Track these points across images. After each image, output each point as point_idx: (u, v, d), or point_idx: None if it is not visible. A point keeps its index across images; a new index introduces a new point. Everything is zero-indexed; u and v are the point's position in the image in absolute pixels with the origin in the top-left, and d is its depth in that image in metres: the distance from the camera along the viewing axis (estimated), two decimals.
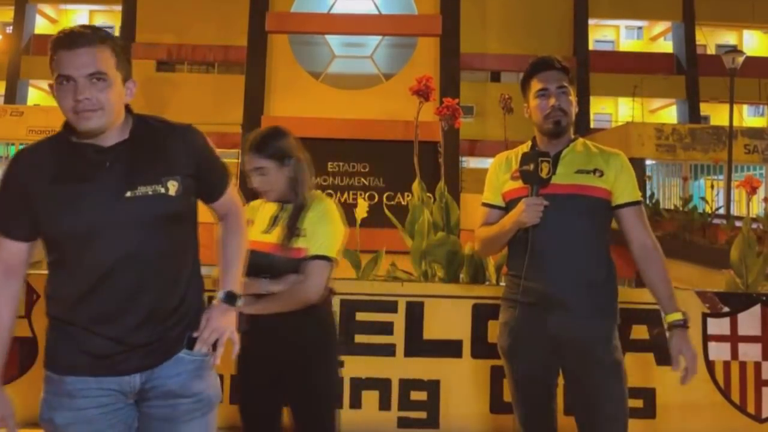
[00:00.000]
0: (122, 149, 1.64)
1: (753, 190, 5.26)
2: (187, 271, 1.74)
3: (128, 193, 1.60)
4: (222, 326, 1.70)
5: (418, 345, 3.58)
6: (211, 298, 1.80)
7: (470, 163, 20.70)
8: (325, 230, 2.23)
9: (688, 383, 2.09)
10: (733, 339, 3.52)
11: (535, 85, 2.23)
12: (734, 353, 3.51)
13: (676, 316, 2.11)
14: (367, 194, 12.77)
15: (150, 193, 1.62)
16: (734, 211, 14.67)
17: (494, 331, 3.56)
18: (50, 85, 1.62)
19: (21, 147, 1.75)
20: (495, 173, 2.34)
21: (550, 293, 2.12)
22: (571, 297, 2.12)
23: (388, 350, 3.57)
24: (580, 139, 2.29)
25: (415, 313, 3.58)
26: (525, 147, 2.30)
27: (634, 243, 2.18)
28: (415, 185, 4.18)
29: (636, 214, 2.19)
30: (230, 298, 1.76)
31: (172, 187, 1.65)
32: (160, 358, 1.67)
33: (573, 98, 2.24)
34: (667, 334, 2.13)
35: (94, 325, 1.62)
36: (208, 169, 1.78)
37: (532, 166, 2.08)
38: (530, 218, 2.08)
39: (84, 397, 1.62)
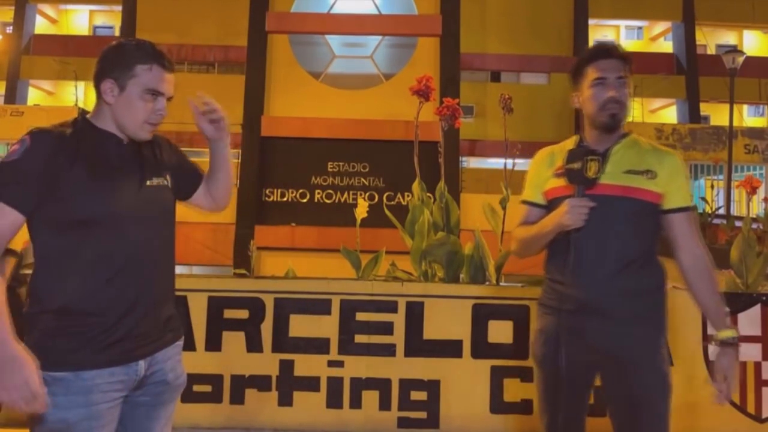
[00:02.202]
0: (134, 146, 1.80)
1: (753, 190, 5.27)
2: (174, 259, 1.91)
3: (147, 182, 1.78)
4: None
5: (418, 345, 3.58)
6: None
7: (470, 163, 20.68)
8: None
9: (721, 404, 1.99)
10: None
11: (592, 74, 2.05)
12: None
13: (730, 333, 1.98)
14: (367, 194, 12.75)
15: (160, 183, 1.82)
16: (734, 211, 14.69)
17: (494, 331, 3.58)
18: (112, 85, 1.72)
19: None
20: (537, 169, 2.18)
21: (591, 301, 1.99)
22: (613, 305, 1.99)
23: (388, 350, 3.57)
24: (632, 135, 2.12)
25: (415, 313, 3.59)
26: (571, 142, 2.17)
27: (684, 252, 2.02)
28: (415, 185, 4.19)
29: (688, 220, 2.03)
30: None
31: (169, 180, 1.87)
32: (164, 343, 1.81)
33: (631, 90, 2.08)
34: (716, 350, 1.99)
35: (113, 311, 1.68)
36: (186, 165, 1.99)
37: (578, 165, 1.94)
38: (573, 221, 1.93)
39: (99, 392, 1.66)
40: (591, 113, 2.07)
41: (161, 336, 1.80)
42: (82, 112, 1.82)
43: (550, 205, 2.11)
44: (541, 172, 2.17)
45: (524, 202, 2.22)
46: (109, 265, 1.68)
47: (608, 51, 2.08)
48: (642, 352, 2.00)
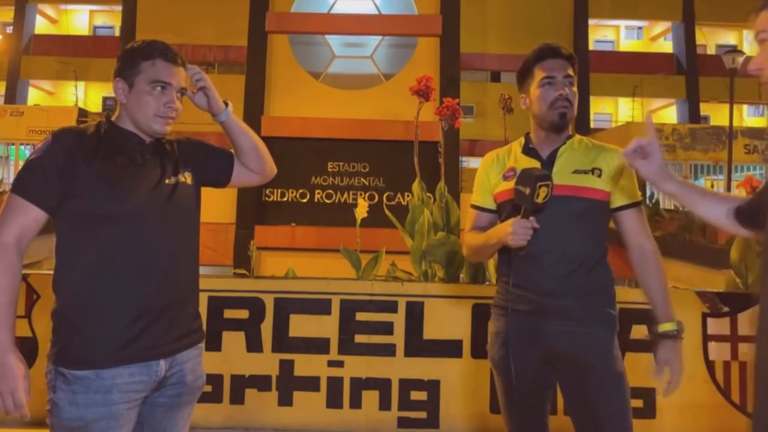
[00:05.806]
0: (154, 146, 1.84)
1: (753, 190, 5.26)
2: (197, 258, 1.91)
3: (166, 180, 1.80)
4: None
5: (418, 345, 3.58)
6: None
7: (470, 163, 20.69)
8: None
9: (669, 395, 2.00)
10: (733, 339, 3.52)
11: (540, 74, 2.07)
12: (734, 353, 3.51)
13: (668, 327, 2.00)
14: (367, 194, 12.74)
15: (180, 181, 1.83)
16: None
17: None
18: (122, 85, 1.77)
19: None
20: (485, 174, 2.20)
21: (544, 301, 2.00)
22: (567, 305, 1.99)
23: (388, 350, 3.57)
24: (577, 136, 2.15)
25: (415, 313, 3.59)
26: (517, 144, 2.18)
27: (633, 247, 2.06)
28: (415, 185, 4.19)
29: (636, 216, 2.06)
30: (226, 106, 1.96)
31: (188, 177, 1.87)
32: (186, 344, 1.81)
33: (576, 89, 2.09)
34: (657, 342, 2.02)
35: (130, 308, 1.69)
36: (213, 152, 1.99)
37: (528, 190, 1.90)
38: (517, 242, 1.92)
39: (118, 391, 1.67)
40: (540, 113, 2.08)
41: (183, 336, 1.81)
42: (107, 115, 1.85)
43: (500, 208, 2.13)
44: (489, 175, 2.19)
45: (473, 206, 2.23)
46: (125, 261, 1.69)
47: (555, 51, 2.09)
48: (597, 353, 2.00)
